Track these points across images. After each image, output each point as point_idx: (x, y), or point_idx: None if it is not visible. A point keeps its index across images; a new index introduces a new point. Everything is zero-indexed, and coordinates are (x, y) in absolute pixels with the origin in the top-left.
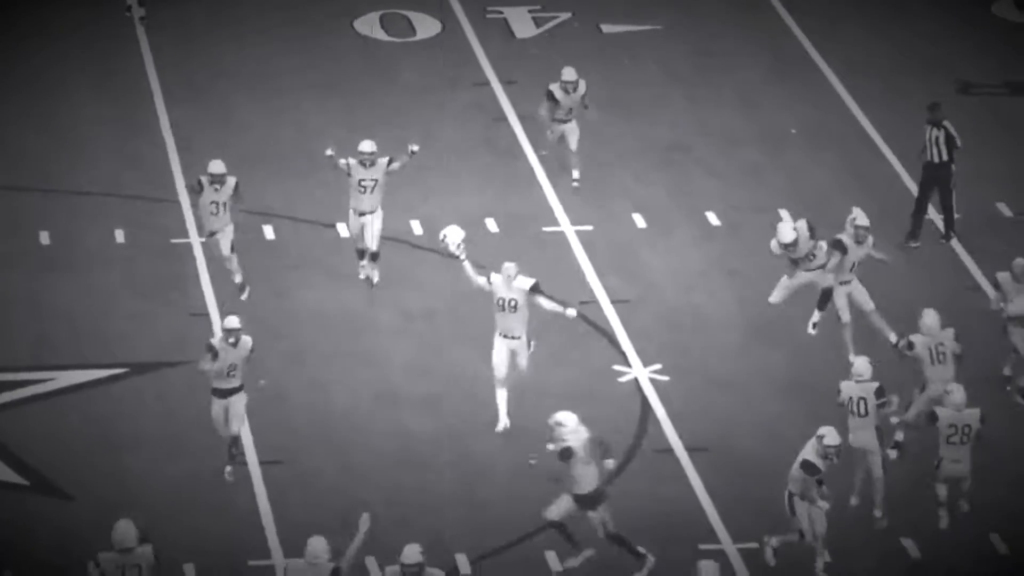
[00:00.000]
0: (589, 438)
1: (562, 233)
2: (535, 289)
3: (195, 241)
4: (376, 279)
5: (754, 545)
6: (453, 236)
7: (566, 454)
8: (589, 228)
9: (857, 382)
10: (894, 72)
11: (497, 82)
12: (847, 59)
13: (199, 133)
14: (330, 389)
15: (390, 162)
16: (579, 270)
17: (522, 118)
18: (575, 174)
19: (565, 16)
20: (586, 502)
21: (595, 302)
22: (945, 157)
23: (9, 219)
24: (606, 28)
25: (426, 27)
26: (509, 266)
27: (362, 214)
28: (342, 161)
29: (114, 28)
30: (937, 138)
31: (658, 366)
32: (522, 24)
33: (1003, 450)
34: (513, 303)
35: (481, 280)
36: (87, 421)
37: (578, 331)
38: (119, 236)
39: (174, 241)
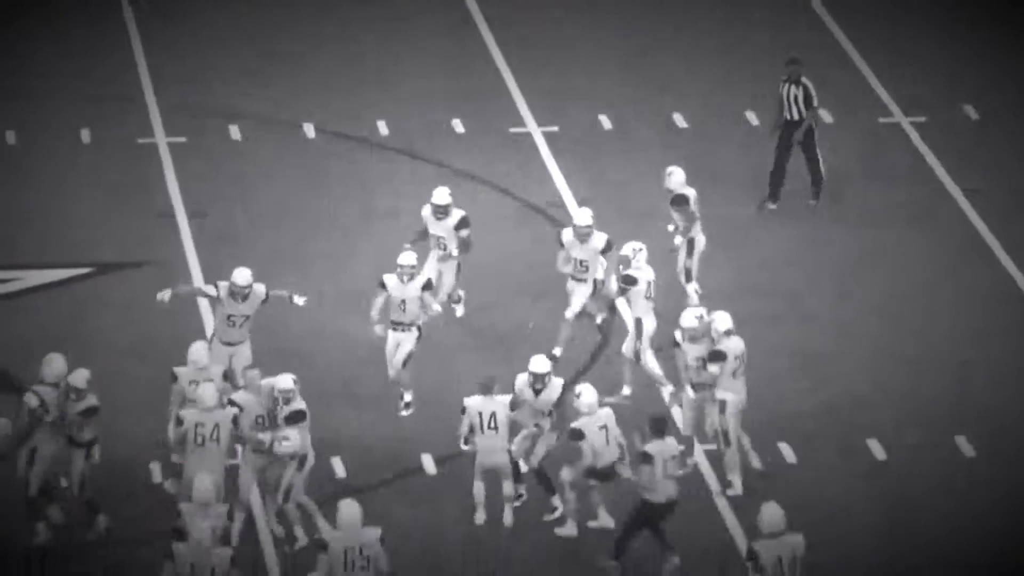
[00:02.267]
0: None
1: (529, 134)
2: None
3: (161, 141)
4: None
5: None
6: None
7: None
8: (555, 129)
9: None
10: None
11: None
12: None
13: (165, 31)
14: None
15: (266, 299)
16: (545, 171)
17: (489, 20)
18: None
19: None
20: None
21: (561, 204)
22: (804, 115)
23: None
24: None
25: None
26: None
27: (228, 344)
28: (210, 290)
29: None
30: (796, 96)
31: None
32: None
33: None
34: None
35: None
36: (52, 321)
37: (541, 231)
38: (85, 136)
39: (140, 141)
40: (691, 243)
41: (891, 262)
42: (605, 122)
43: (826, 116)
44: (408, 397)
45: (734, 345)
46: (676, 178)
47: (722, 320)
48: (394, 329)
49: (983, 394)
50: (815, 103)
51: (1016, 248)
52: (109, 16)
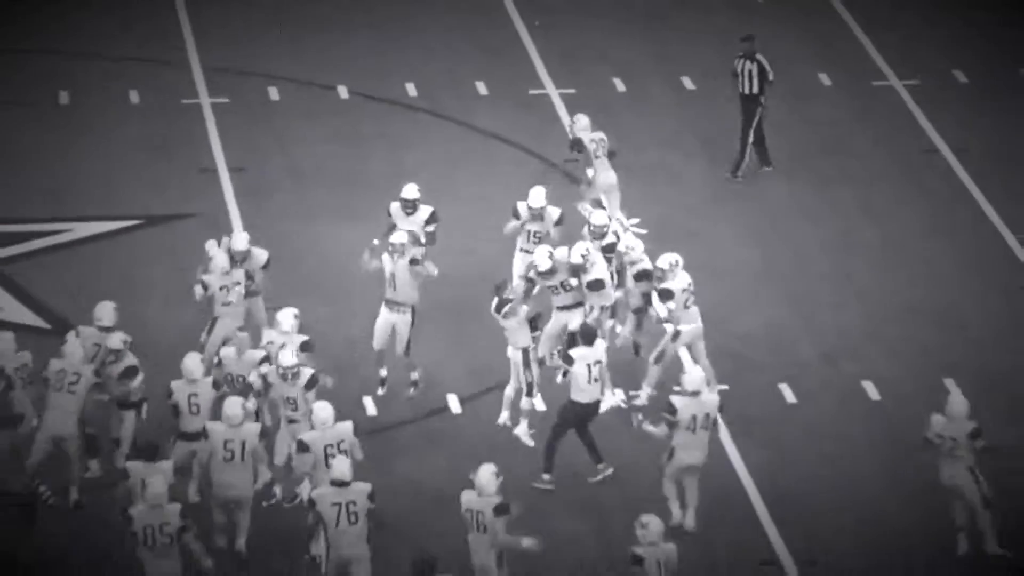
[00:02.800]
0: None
1: (547, 96)
2: None
3: (204, 101)
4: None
5: None
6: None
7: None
8: (572, 91)
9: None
10: None
11: None
12: None
13: None
14: (326, 240)
15: (266, 265)
16: (563, 131)
17: None
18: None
19: None
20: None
21: (577, 160)
22: (756, 90)
23: (31, 79)
24: None
25: None
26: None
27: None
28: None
29: None
30: (750, 71)
31: (637, 220)
32: None
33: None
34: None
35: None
36: (103, 270)
37: (560, 189)
38: (133, 96)
39: (185, 101)
40: (591, 180)
41: (885, 216)
42: (619, 84)
43: (824, 79)
44: (415, 375)
45: (680, 281)
46: (579, 124)
47: (665, 259)
48: (388, 307)
49: (971, 339)
50: (770, 78)
51: (999, 201)
52: None
